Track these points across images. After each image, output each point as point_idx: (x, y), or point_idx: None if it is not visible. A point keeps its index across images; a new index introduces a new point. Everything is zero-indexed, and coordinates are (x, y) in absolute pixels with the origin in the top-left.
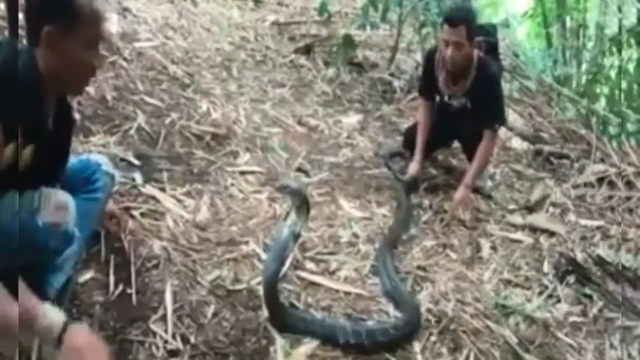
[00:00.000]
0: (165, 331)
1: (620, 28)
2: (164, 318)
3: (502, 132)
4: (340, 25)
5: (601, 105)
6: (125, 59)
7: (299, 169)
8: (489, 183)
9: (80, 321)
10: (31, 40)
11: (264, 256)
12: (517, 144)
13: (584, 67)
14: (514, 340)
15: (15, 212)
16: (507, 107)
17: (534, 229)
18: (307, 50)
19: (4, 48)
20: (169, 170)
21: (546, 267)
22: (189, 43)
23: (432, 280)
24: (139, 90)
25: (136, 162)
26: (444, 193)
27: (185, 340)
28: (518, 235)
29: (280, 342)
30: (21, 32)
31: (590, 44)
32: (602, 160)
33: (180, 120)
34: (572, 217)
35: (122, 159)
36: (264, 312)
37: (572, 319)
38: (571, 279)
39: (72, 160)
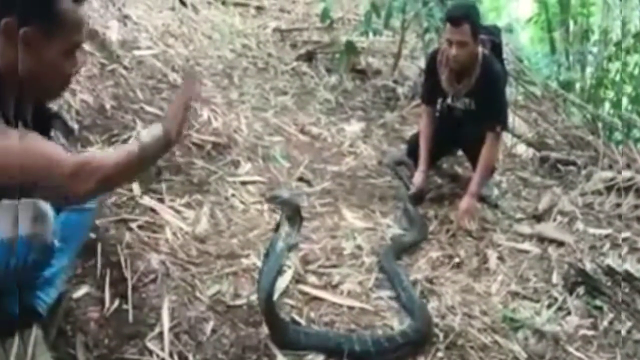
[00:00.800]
0: (162, 349)
1: (622, 32)
2: (160, 335)
3: (507, 138)
4: (342, 31)
5: (605, 110)
6: (125, 67)
7: (300, 179)
8: (495, 191)
9: (74, 339)
10: None
11: None
12: (522, 150)
13: (588, 71)
14: (523, 355)
15: None
16: (512, 113)
17: (541, 239)
18: (309, 57)
19: None
20: (168, 180)
21: (555, 278)
22: (189, 51)
23: (439, 293)
24: (138, 98)
25: None
26: (450, 202)
27: (182, 358)
28: (526, 246)
29: (282, 359)
30: None
31: (594, 49)
32: (610, 167)
33: None
34: (580, 225)
35: None
36: (265, 329)
37: (582, 332)
38: (581, 290)
39: None
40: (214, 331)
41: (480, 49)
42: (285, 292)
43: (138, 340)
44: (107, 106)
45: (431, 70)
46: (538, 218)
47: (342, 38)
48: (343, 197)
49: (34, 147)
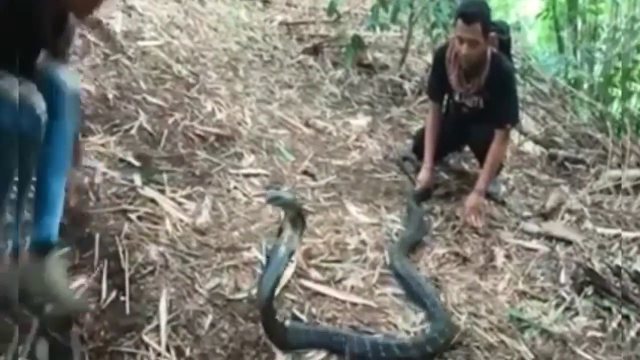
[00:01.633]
0: (159, 343)
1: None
2: (158, 328)
3: (515, 135)
4: (349, 25)
5: (614, 108)
6: (128, 58)
7: (305, 172)
8: (502, 189)
9: (67, 332)
10: None
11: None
12: (530, 148)
13: (596, 69)
14: (530, 356)
15: None
16: (520, 110)
17: (549, 237)
18: (315, 51)
19: None
20: (170, 171)
21: (563, 277)
22: (194, 42)
23: (445, 291)
24: (141, 89)
25: (136, 162)
26: (456, 199)
27: (180, 352)
28: (533, 244)
29: (281, 357)
30: None
31: (603, 47)
32: (619, 166)
33: (183, 121)
34: (588, 224)
35: (122, 160)
36: None
37: (590, 333)
38: (589, 290)
39: None
40: (212, 325)
41: (489, 48)
42: (286, 287)
43: (134, 332)
44: (110, 96)
45: (439, 66)
46: (545, 216)
47: (349, 32)
48: (348, 191)
49: None
